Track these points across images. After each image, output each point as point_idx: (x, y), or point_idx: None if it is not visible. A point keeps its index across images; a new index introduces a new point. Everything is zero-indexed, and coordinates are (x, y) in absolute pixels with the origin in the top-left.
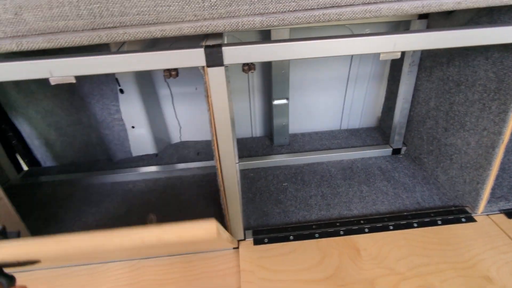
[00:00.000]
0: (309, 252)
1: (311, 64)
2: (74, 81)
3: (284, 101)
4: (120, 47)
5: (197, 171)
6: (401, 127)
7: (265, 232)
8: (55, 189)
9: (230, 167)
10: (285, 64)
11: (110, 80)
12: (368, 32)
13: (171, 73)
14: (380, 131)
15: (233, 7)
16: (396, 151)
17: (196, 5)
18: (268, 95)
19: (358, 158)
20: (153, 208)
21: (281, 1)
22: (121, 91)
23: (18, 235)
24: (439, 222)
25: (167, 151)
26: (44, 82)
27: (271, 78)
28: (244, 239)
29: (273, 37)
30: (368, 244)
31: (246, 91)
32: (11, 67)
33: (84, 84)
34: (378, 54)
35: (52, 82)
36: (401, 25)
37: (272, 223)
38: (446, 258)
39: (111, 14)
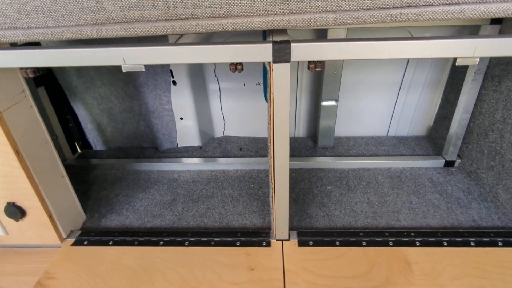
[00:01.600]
0: (356, 260)
1: (364, 66)
2: (143, 69)
3: (333, 103)
4: (177, 40)
5: (240, 166)
6: (457, 138)
7: (310, 234)
8: (105, 172)
9: (283, 165)
10: (338, 65)
11: (165, 72)
12: (429, 36)
13: (237, 67)
14: (430, 140)
15: (305, 3)
16: (449, 163)
17: (268, 0)
18: (316, 95)
19: (407, 167)
20: (197, 200)
21: None
22: (174, 82)
23: None
24: (500, 244)
25: (211, 145)
26: (102, 69)
27: (321, 78)
28: (288, 239)
29: (329, 36)
30: (419, 259)
31: (294, 90)
32: (89, 53)
33: (140, 74)
34: (439, 59)
35: (124, 70)
36: (466, 30)
37: (316, 226)
38: (507, 284)
39: (184, 5)
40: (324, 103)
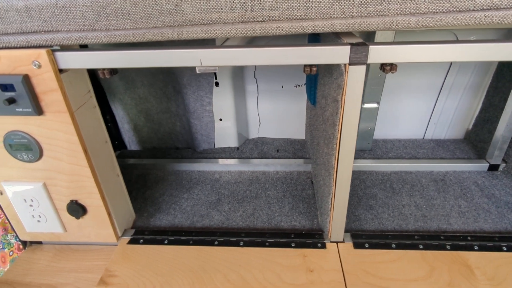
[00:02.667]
0: (415, 263)
1: (407, 69)
2: (217, 70)
3: (374, 105)
4: (223, 42)
5: (280, 167)
6: (503, 142)
7: (364, 237)
8: (146, 171)
9: (347, 167)
10: None
11: (209, 73)
12: (473, 39)
13: (312, 68)
14: (469, 144)
15: (384, 6)
16: (493, 167)
17: (346, 2)
18: None
19: (449, 170)
20: (243, 200)
21: (434, 1)
22: (217, 84)
23: None
24: None
25: (247, 146)
26: (142, 71)
27: (364, 80)
28: (343, 241)
29: (377, 39)
30: (480, 263)
31: None
32: (167, 55)
33: (184, 75)
34: (481, 62)
35: (198, 71)
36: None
37: (367, 229)
38: None
39: (262, 8)
40: (366, 105)
